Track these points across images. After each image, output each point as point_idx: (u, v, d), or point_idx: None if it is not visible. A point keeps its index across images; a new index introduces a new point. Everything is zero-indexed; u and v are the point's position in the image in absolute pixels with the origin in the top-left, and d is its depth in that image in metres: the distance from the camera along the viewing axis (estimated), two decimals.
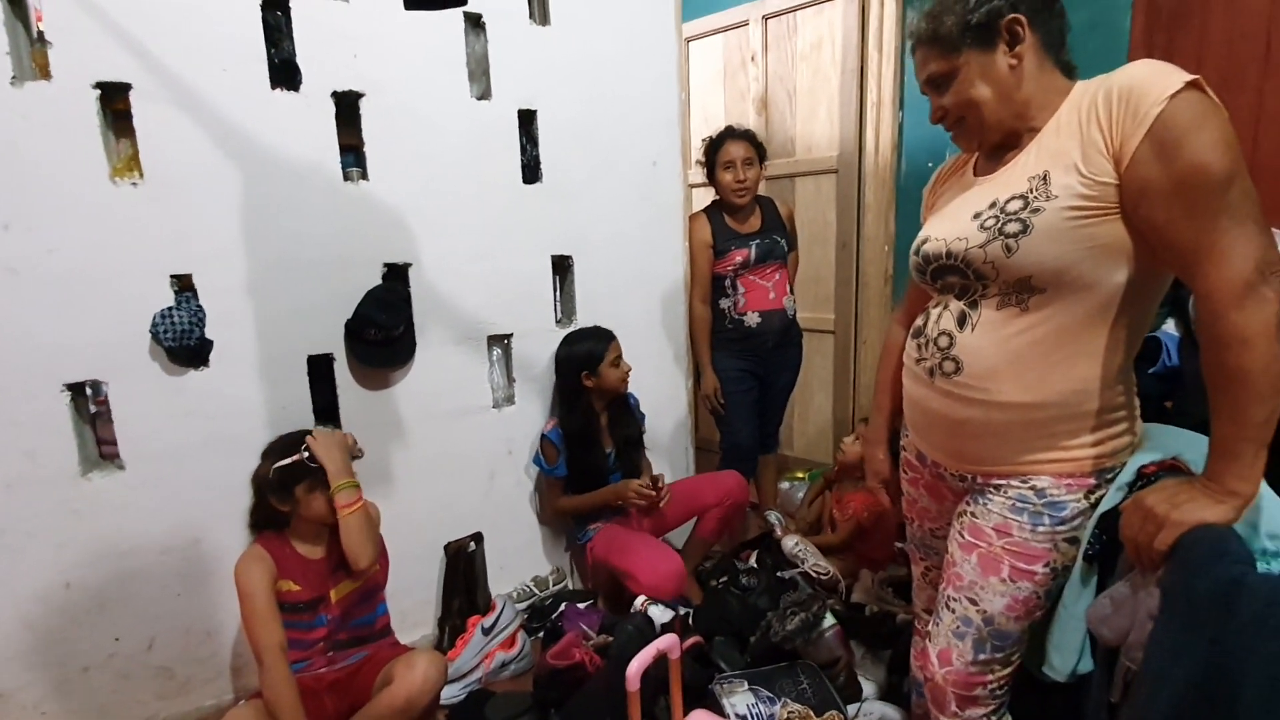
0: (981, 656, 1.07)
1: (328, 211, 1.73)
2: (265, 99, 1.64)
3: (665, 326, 2.35)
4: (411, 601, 1.96)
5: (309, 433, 1.56)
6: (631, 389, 2.15)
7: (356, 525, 1.50)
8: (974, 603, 1.06)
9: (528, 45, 1.97)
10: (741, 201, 2.30)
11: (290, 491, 1.49)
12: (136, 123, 1.51)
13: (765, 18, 2.89)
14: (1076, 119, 0.93)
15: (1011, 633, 1.06)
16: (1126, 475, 1.00)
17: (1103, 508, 1.00)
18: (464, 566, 1.99)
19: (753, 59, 2.96)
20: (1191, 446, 0.99)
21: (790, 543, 2.13)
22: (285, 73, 1.66)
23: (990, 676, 1.08)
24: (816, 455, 3.07)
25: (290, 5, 1.64)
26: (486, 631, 1.83)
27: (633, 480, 2.06)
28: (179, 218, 1.57)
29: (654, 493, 2.01)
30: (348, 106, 1.74)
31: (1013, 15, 0.95)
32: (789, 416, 3.06)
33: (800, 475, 2.87)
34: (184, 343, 1.59)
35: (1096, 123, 0.90)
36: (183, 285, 1.61)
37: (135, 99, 1.51)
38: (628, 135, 2.18)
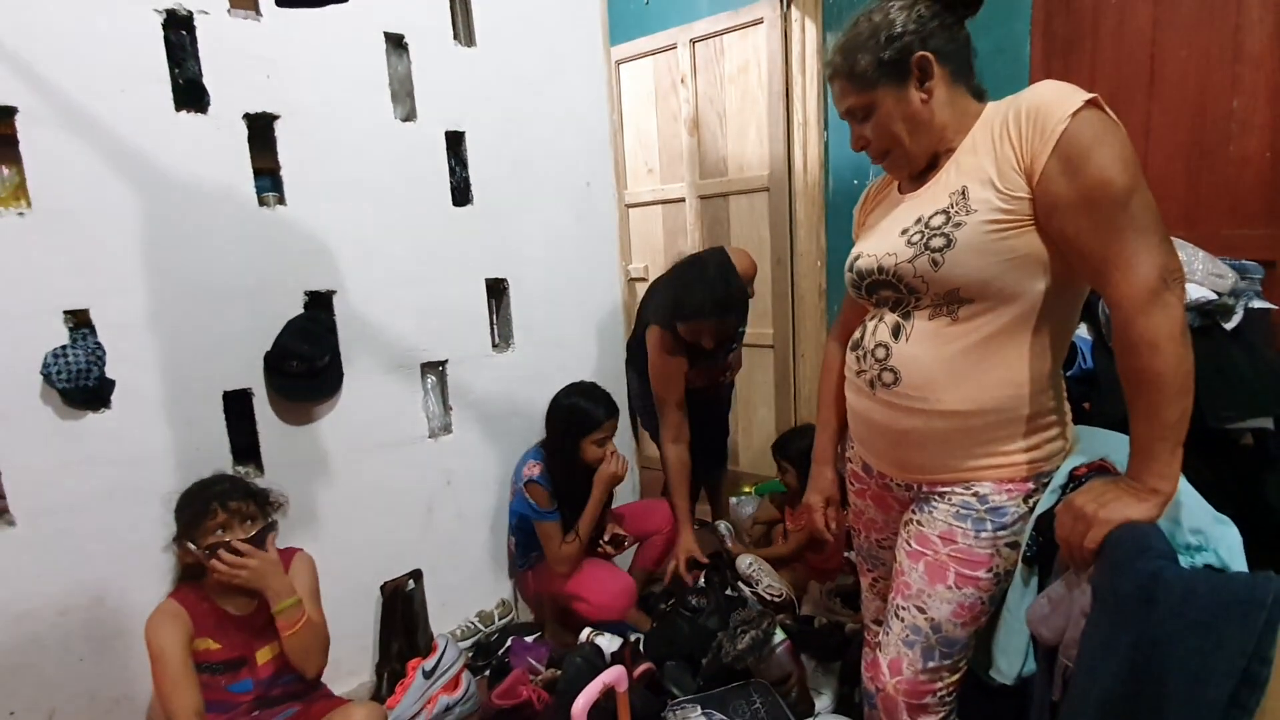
0: (931, 664, 1.08)
1: (242, 238, 1.64)
2: (169, 122, 1.54)
3: (604, 347, 2.33)
4: (346, 648, 1.84)
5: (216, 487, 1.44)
6: None
7: (301, 646, 1.41)
8: (922, 611, 1.07)
9: (453, 66, 1.93)
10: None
11: (191, 539, 1.38)
12: (23, 148, 1.39)
13: (693, 41, 2.94)
14: (990, 137, 0.97)
15: (959, 639, 1.07)
16: (1060, 478, 1.03)
17: (1039, 510, 1.02)
18: (402, 607, 1.89)
19: (683, 81, 3.00)
20: (1118, 448, 1.03)
21: (745, 562, 2.12)
22: (191, 94, 1.57)
23: (940, 684, 1.09)
24: (762, 469, 3.09)
25: (195, 24, 1.56)
26: (428, 674, 1.73)
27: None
28: (73, 249, 1.45)
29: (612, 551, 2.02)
30: (262, 129, 1.66)
31: (921, 53, 0.99)
32: (734, 431, 3.08)
33: (748, 489, 2.88)
34: (81, 383, 1.46)
35: (1008, 140, 0.94)
36: (79, 321, 1.48)
37: (21, 123, 1.39)
38: (560, 156, 2.16)
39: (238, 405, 1.66)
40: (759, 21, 2.73)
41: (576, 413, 1.97)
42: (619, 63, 3.12)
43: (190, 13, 1.55)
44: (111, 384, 1.51)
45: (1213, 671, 0.70)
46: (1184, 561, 0.86)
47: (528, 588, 2.07)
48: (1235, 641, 0.69)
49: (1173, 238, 1.41)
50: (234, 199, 1.63)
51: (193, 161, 1.57)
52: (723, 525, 2.33)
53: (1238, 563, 0.88)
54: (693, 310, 1.91)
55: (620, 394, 2.38)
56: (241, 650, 1.42)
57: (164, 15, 1.52)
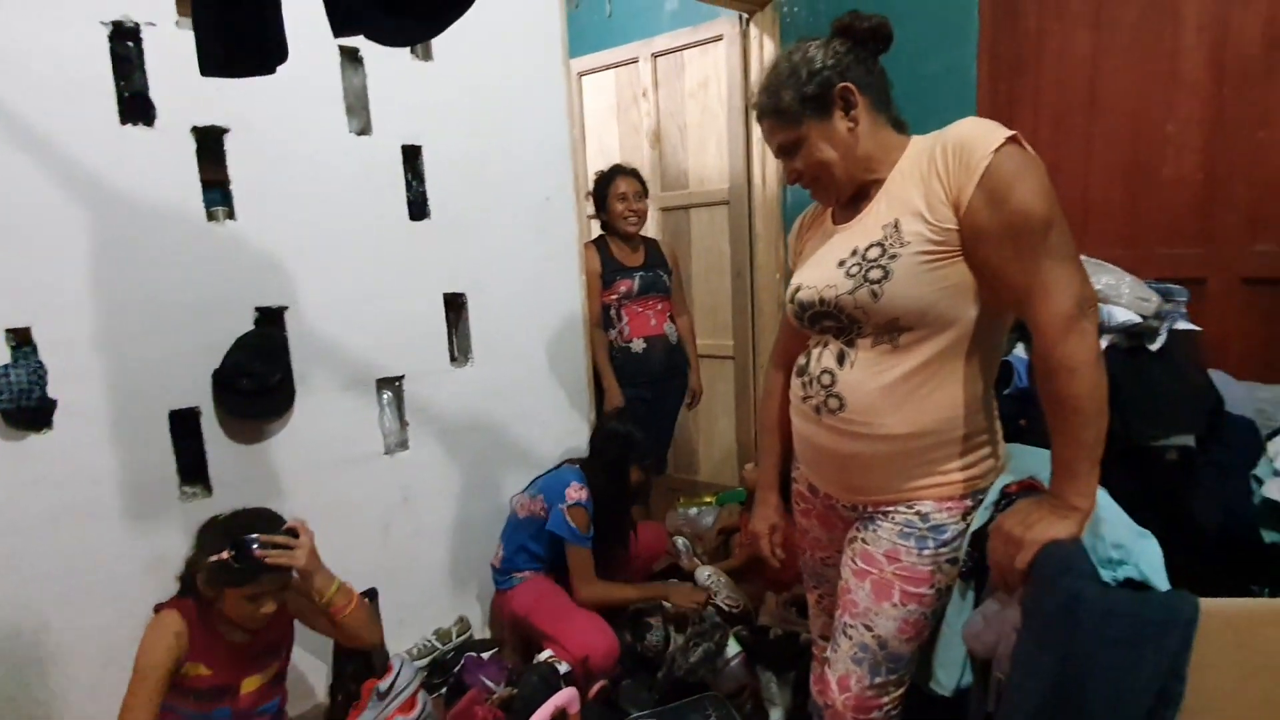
0: (878, 679, 1.10)
1: (190, 254, 1.61)
2: (115, 135, 1.51)
3: (564, 360, 2.33)
4: (299, 671, 1.81)
5: (267, 518, 1.40)
6: (532, 426, 2.10)
7: (358, 622, 1.45)
8: (869, 628, 1.09)
9: (410, 80, 1.92)
10: (632, 230, 2.42)
11: (219, 588, 1.33)
12: None
13: (654, 55, 2.97)
14: (918, 171, 1.01)
15: (904, 654, 1.10)
16: (992, 495, 1.06)
17: (973, 527, 1.06)
18: None
19: (644, 94, 3.03)
20: (1045, 464, 1.07)
21: (703, 575, 2.15)
22: (138, 107, 1.54)
23: (886, 698, 1.12)
24: (722, 479, 3.11)
25: (142, 36, 1.53)
26: (382, 696, 1.70)
27: (688, 589, 1.99)
28: (14, 266, 1.42)
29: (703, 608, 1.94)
30: (211, 142, 1.63)
31: (842, 84, 1.04)
32: (695, 441, 3.10)
33: (708, 500, 2.90)
34: (21, 404, 1.42)
35: (936, 175, 0.98)
36: (20, 340, 1.44)
37: None
38: (519, 170, 2.16)
39: (185, 424, 1.62)
40: (719, 38, 2.77)
41: (631, 440, 1.99)
42: (581, 75, 3.13)
43: (137, 24, 1.52)
44: (54, 404, 1.47)
45: (1131, 688, 0.73)
46: (1106, 575, 0.90)
47: (502, 609, 2.02)
48: (1152, 660, 0.73)
49: (1103, 262, 1.48)
50: (182, 214, 1.60)
51: (139, 176, 1.54)
52: (680, 541, 2.34)
53: (1158, 576, 0.92)
54: None
55: (582, 412, 2.39)
56: (229, 679, 1.39)
57: (110, 27, 1.49)
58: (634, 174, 2.45)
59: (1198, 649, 0.73)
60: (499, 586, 2.03)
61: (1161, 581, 0.91)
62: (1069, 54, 2.06)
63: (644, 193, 2.45)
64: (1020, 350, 1.44)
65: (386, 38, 1.11)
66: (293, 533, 1.38)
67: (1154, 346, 1.34)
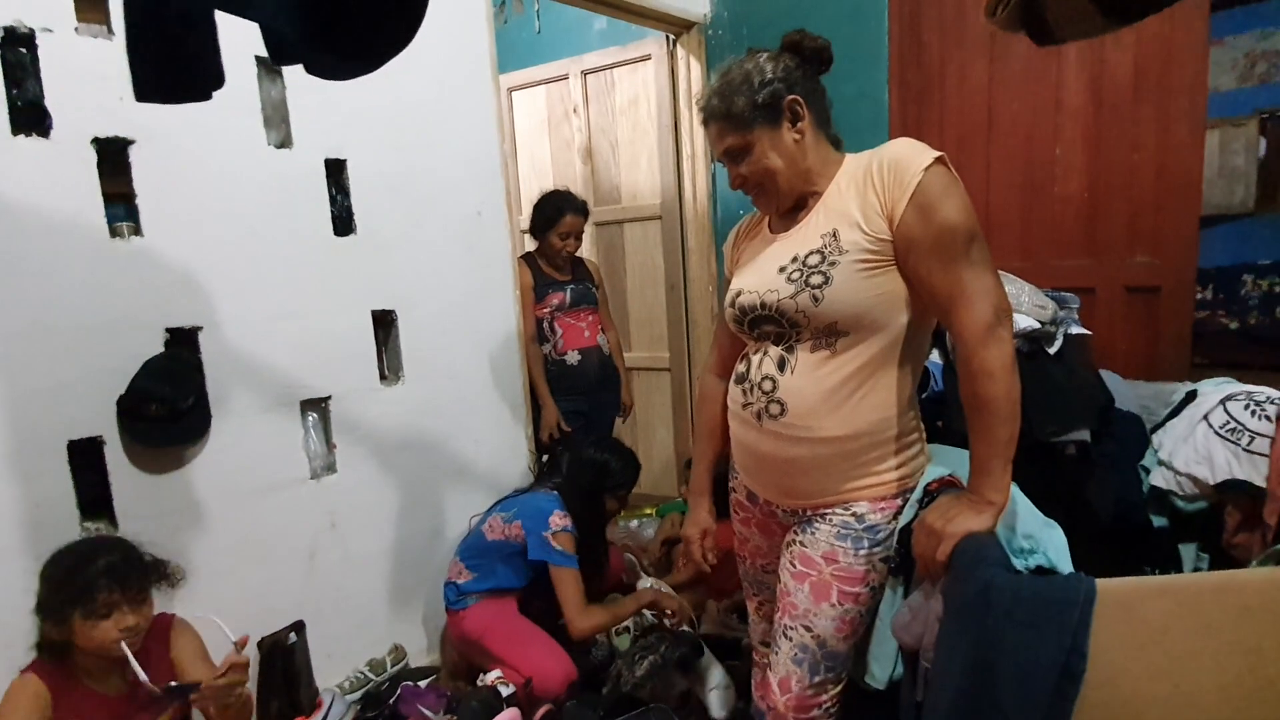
0: (817, 679, 1.13)
1: (91, 273, 1.50)
2: (5, 146, 1.40)
3: (500, 376, 2.30)
4: None
5: (114, 546, 1.29)
6: (467, 445, 2.06)
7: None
8: (808, 629, 1.12)
9: (332, 92, 1.85)
10: (563, 261, 2.47)
11: (65, 618, 1.21)
12: None
13: (584, 73, 3.00)
14: (854, 185, 1.07)
15: (841, 652, 1.14)
16: (917, 493, 1.12)
17: (900, 524, 1.11)
18: (282, 663, 1.76)
19: (575, 111, 3.05)
20: (962, 462, 1.14)
21: (645, 585, 2.14)
22: (31, 117, 1.44)
23: (825, 696, 1.15)
24: (662, 490, 3.14)
25: (37, 41, 1.43)
26: None
27: (663, 593, 1.94)
28: None
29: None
30: (114, 154, 1.53)
31: (791, 96, 1.09)
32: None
33: (649, 511, 2.92)
34: None
35: (872, 188, 1.04)
36: None
37: None
38: (448, 185, 2.13)
39: (86, 455, 1.51)
40: (647, 58, 2.83)
41: (606, 469, 1.98)
42: (511, 90, 3.13)
43: (32, 30, 1.42)
44: None
45: (1037, 666, 0.79)
46: (1018, 564, 0.96)
47: (454, 629, 1.96)
48: (1055, 639, 0.79)
49: (1004, 272, 1.59)
50: (82, 230, 1.49)
51: (33, 189, 1.43)
52: (627, 557, 2.35)
53: (1064, 561, 1.00)
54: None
55: (519, 428, 2.36)
56: None
57: (1, 33, 1.39)
58: (582, 212, 2.43)
59: (1096, 626, 0.79)
60: (451, 606, 1.96)
61: (1066, 567, 0.98)
62: (968, 83, 2.23)
63: (583, 229, 2.46)
64: (935, 355, 1.54)
65: (326, 72, 1.09)
66: (179, 693, 1.26)
67: (1052, 350, 1.46)
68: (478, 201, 2.21)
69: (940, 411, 1.45)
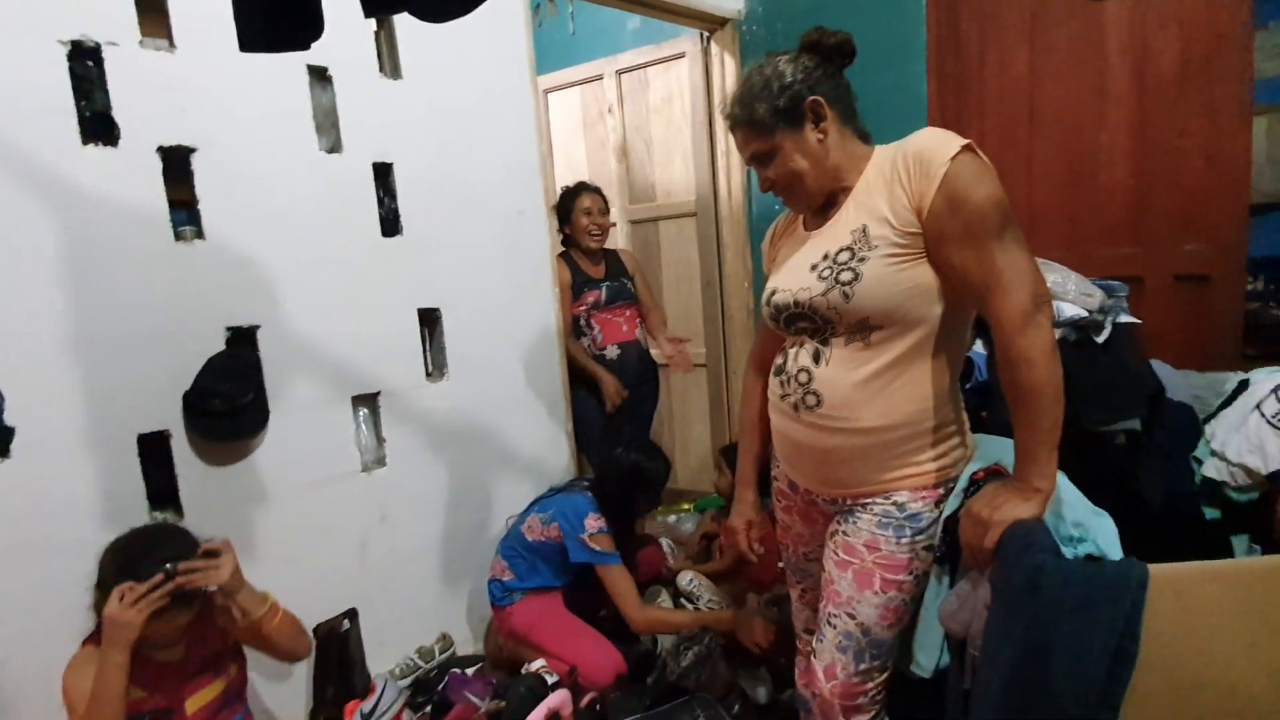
0: (862, 666, 1.14)
1: (157, 274, 1.58)
2: (75, 156, 1.48)
3: (539, 373, 2.34)
4: (277, 698, 1.77)
5: (159, 536, 1.36)
6: (509, 439, 2.10)
7: (289, 633, 1.44)
8: (852, 616, 1.13)
9: (379, 98, 1.93)
10: (595, 245, 2.49)
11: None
12: None
13: (619, 72, 3.03)
14: (882, 179, 1.08)
15: (886, 640, 1.14)
16: (962, 482, 1.13)
17: (945, 513, 1.12)
18: (337, 648, 1.83)
19: (610, 110, 3.09)
20: (1008, 451, 1.14)
21: (685, 579, 2.18)
22: (100, 127, 1.52)
23: (870, 684, 1.16)
24: (700, 485, 3.16)
25: (104, 55, 1.51)
26: (366, 717, 1.69)
27: (757, 624, 1.83)
28: None
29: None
30: (177, 162, 1.61)
31: (812, 97, 1.09)
32: (671, 449, 3.13)
33: (686, 506, 2.94)
34: None
35: (899, 182, 1.04)
36: None
37: None
38: (490, 186, 2.18)
39: (154, 448, 1.59)
40: (681, 55, 2.85)
41: (637, 470, 2.00)
42: (547, 92, 3.17)
43: (98, 44, 1.50)
44: (11, 431, 1.42)
45: (1090, 649, 0.79)
46: (1067, 552, 0.96)
47: (500, 626, 2.01)
48: (1107, 622, 0.79)
49: (1049, 261, 1.58)
50: (148, 233, 1.57)
51: (102, 196, 1.51)
52: (664, 543, 2.38)
53: (1114, 550, 0.99)
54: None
55: (559, 425, 2.40)
56: (169, 700, 1.34)
57: (69, 46, 1.47)
58: (597, 191, 2.52)
59: (1147, 611, 0.79)
60: (497, 603, 2.00)
61: (1117, 556, 0.98)
62: (1008, 72, 2.20)
63: (606, 209, 2.52)
64: (979, 346, 1.53)
65: (429, 14, 1.12)
66: (213, 553, 1.34)
67: (1100, 339, 1.44)
68: (518, 201, 2.26)
69: (985, 402, 1.44)
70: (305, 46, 1.10)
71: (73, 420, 1.49)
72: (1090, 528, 1.01)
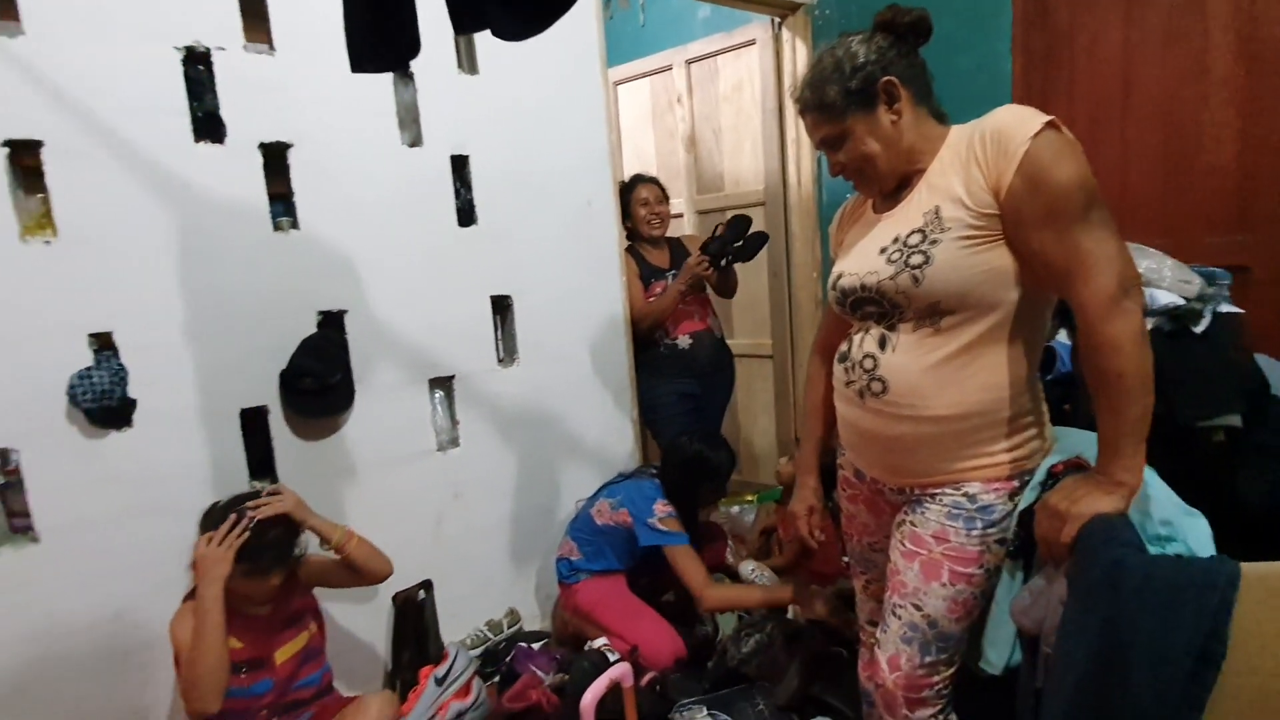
0: (928, 659, 1.12)
1: (257, 262, 1.71)
2: (188, 152, 1.62)
3: (606, 361, 2.39)
4: (358, 658, 1.89)
5: (247, 500, 1.50)
6: (576, 425, 2.15)
7: (365, 555, 1.59)
8: (918, 608, 1.11)
9: (457, 93, 2.01)
10: (656, 233, 2.49)
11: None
12: (49, 179, 1.47)
13: (688, 62, 3.03)
14: (958, 159, 1.04)
15: (954, 633, 1.12)
16: (1039, 475, 1.08)
17: (1020, 506, 1.08)
18: (413, 617, 1.93)
19: (679, 100, 3.09)
20: (1092, 445, 1.09)
21: (747, 569, 2.18)
22: (209, 125, 1.65)
23: (936, 677, 1.13)
24: (763, 477, 3.14)
25: (213, 59, 1.64)
26: (439, 682, 1.78)
27: (821, 595, 1.79)
28: (97, 275, 1.52)
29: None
30: (275, 157, 1.73)
31: (885, 78, 1.06)
32: (734, 440, 3.12)
33: (749, 498, 2.93)
34: (104, 404, 1.52)
35: (975, 162, 1.01)
36: (102, 344, 1.54)
37: (47, 155, 1.46)
38: (561, 177, 2.23)
39: (254, 422, 1.72)
40: (751, 43, 2.82)
41: (701, 460, 2.03)
42: (616, 84, 3.21)
43: (208, 49, 1.63)
44: (133, 403, 1.56)
45: (1172, 649, 0.76)
46: (1154, 551, 0.91)
47: (565, 602, 2.08)
48: (1191, 622, 0.75)
49: (1144, 246, 1.49)
50: (250, 224, 1.70)
51: (211, 190, 1.64)
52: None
53: (1206, 553, 0.94)
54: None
55: (625, 412, 2.44)
56: (261, 650, 1.47)
57: (183, 51, 1.60)
58: (653, 180, 2.52)
59: (1238, 611, 0.74)
60: (564, 579, 2.07)
61: None
62: (1101, 47, 2.07)
63: (664, 197, 2.52)
64: (1063, 335, 1.46)
65: (509, 33, 1.20)
66: (274, 492, 1.53)
67: (1198, 329, 1.35)
68: (588, 191, 2.30)
69: (1068, 394, 1.38)
70: (405, 65, 1.18)
71: (185, 395, 1.63)
72: (1181, 527, 0.96)
